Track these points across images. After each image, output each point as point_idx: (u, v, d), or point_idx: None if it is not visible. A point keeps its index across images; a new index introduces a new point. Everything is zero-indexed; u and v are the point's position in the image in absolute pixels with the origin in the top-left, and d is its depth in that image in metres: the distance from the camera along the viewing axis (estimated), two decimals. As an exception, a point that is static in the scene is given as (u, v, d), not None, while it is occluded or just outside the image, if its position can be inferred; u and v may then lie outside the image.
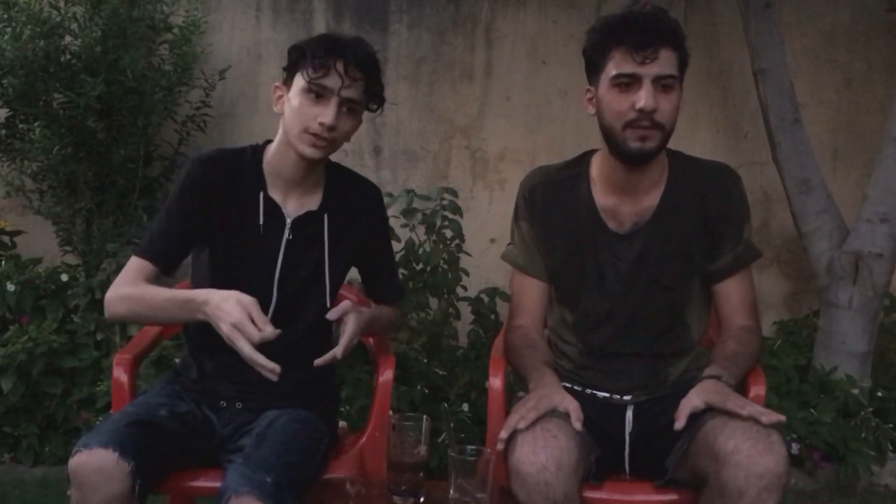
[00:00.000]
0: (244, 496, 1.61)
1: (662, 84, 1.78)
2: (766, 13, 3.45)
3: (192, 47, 3.63)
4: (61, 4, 3.44)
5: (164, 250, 1.90)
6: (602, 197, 1.95)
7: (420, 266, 3.37)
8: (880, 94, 3.80)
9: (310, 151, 1.86)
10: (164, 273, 1.92)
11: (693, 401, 1.74)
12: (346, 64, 1.84)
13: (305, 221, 1.95)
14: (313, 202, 1.96)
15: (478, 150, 3.92)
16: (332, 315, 1.84)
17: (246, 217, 1.92)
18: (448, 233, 3.38)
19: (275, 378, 1.67)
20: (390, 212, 3.32)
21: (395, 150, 3.91)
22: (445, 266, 3.37)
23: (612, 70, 1.79)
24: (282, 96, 1.91)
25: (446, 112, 3.91)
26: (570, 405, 1.78)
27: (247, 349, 1.64)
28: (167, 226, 1.91)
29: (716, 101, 3.88)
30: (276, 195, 1.94)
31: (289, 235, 1.93)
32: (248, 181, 1.93)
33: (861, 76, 3.85)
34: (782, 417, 1.68)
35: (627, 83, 1.78)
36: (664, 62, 1.77)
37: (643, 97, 1.75)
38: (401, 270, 3.33)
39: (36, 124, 3.36)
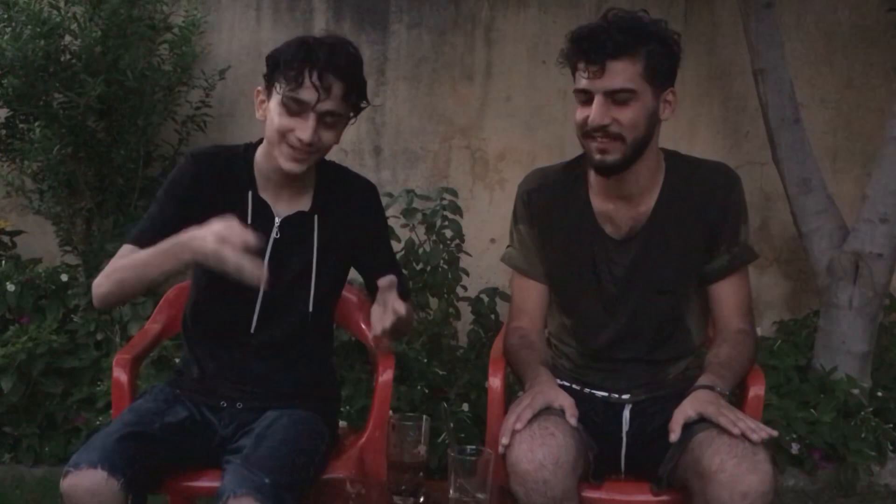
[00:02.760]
0: (242, 497, 1.61)
1: (615, 98, 1.77)
2: (766, 13, 3.45)
3: (192, 47, 3.63)
4: (61, 4, 3.43)
5: (153, 239, 1.87)
6: (598, 201, 1.95)
7: (420, 266, 3.37)
8: (880, 94, 3.80)
9: (290, 166, 1.82)
10: None
11: (687, 411, 1.75)
12: (322, 73, 1.76)
13: (295, 222, 1.93)
14: (304, 202, 1.94)
15: (478, 150, 3.92)
16: (382, 282, 1.78)
17: (234, 215, 1.87)
18: (448, 233, 3.38)
19: (265, 286, 1.71)
20: (390, 212, 3.34)
21: (395, 150, 3.90)
22: (445, 266, 3.37)
23: (575, 84, 1.83)
24: (263, 101, 1.87)
25: (446, 112, 3.91)
26: (565, 401, 1.78)
27: (233, 259, 1.62)
28: (158, 216, 1.90)
29: (716, 101, 3.88)
30: (266, 195, 1.93)
31: (276, 234, 1.92)
32: (239, 180, 1.92)
33: (861, 76, 3.85)
34: (773, 432, 1.68)
35: (584, 97, 1.81)
36: (614, 76, 1.76)
37: (592, 112, 1.77)
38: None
39: (36, 124, 3.37)
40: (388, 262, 2.06)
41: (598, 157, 1.82)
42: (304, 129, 1.78)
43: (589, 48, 1.77)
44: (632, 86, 1.77)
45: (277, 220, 1.92)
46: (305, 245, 1.94)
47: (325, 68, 1.76)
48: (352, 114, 1.88)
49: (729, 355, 1.87)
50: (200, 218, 1.86)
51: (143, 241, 1.87)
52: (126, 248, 1.90)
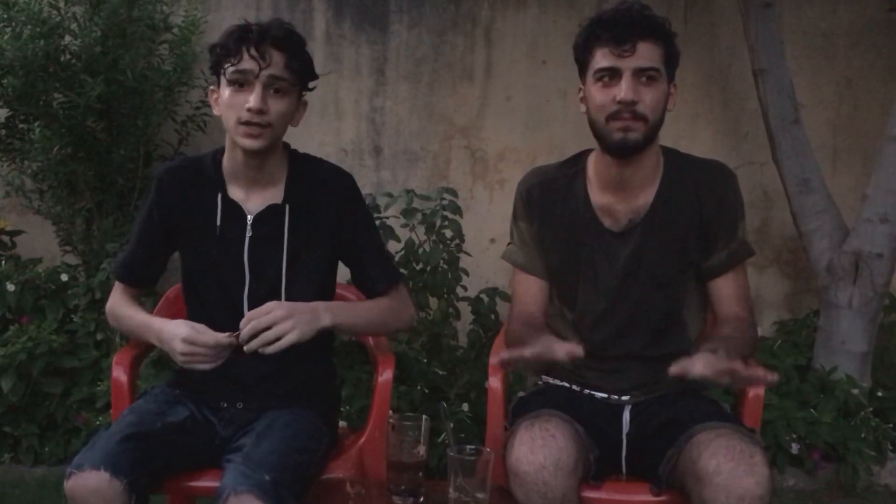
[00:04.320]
0: (243, 494, 1.61)
1: (645, 76, 1.81)
2: (766, 13, 3.45)
3: (192, 47, 3.63)
4: (61, 4, 3.44)
5: (139, 273, 2.05)
6: (597, 195, 1.96)
7: (420, 266, 3.37)
8: (880, 94, 3.80)
9: (247, 142, 1.83)
10: (146, 287, 2.08)
11: (695, 366, 1.64)
12: (258, 44, 1.81)
13: (267, 216, 1.93)
14: (276, 195, 1.94)
15: (478, 150, 3.92)
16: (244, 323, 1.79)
17: (206, 220, 1.93)
18: (448, 233, 3.38)
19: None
20: (390, 212, 3.36)
21: (395, 150, 3.90)
22: (445, 266, 3.37)
23: (594, 66, 1.84)
24: (217, 95, 1.90)
25: (446, 112, 3.91)
26: (565, 346, 1.75)
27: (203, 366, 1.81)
28: (137, 248, 2.03)
29: (716, 101, 3.88)
30: (236, 194, 1.93)
31: (250, 232, 1.92)
32: (208, 185, 1.94)
33: (861, 76, 3.85)
34: (776, 375, 1.66)
35: (609, 77, 1.82)
36: (644, 55, 1.80)
37: (623, 89, 1.79)
38: (400, 270, 3.33)
39: (36, 124, 3.37)
40: (375, 252, 2.02)
41: (619, 136, 1.83)
42: (251, 98, 1.81)
43: (621, 26, 1.80)
44: (658, 66, 1.82)
45: (250, 219, 1.93)
46: (279, 237, 1.93)
47: (261, 39, 1.83)
48: (300, 87, 1.90)
49: (730, 334, 1.87)
50: (178, 233, 1.96)
51: (131, 281, 2.05)
52: (119, 284, 2.05)
